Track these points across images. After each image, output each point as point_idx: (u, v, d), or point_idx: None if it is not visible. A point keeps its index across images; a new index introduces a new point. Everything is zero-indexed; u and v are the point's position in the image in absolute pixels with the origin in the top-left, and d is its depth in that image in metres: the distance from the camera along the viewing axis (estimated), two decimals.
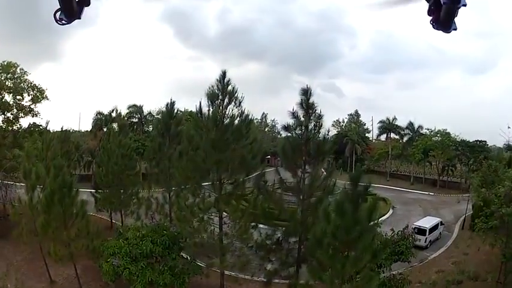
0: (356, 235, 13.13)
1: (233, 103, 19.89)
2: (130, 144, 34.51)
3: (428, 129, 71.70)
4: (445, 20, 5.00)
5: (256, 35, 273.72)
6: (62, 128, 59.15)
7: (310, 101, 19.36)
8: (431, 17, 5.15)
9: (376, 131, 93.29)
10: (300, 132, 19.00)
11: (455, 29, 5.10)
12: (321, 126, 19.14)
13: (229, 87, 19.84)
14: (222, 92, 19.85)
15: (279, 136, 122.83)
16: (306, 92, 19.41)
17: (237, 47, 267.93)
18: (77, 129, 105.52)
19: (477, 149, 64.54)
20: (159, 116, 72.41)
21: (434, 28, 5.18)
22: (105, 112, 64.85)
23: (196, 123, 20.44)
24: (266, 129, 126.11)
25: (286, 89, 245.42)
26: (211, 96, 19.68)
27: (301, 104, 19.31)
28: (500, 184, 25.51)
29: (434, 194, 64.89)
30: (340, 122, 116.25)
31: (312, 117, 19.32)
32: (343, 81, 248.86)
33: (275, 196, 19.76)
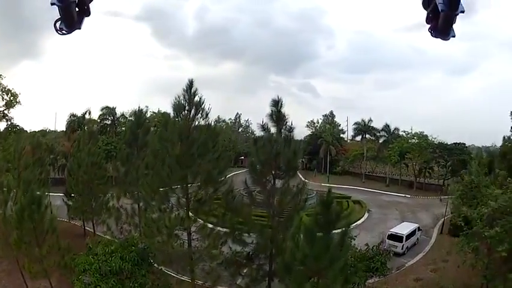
0: (327, 263, 12.26)
1: (200, 114, 18.83)
2: (100, 152, 33.25)
3: (405, 132, 71.77)
4: (443, 28, 5.06)
5: (234, 34, 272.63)
6: (34, 134, 58.74)
7: (282, 111, 18.61)
8: (429, 25, 5.17)
9: (351, 132, 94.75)
10: (269, 145, 18.04)
11: (454, 36, 5.17)
12: (292, 139, 18.27)
13: (196, 98, 18.77)
14: (189, 102, 18.78)
15: (252, 136, 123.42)
16: (277, 103, 18.54)
17: (214, 46, 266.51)
18: (53, 129, 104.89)
19: (455, 152, 64.86)
20: (132, 118, 71.23)
21: (432, 36, 5.23)
22: (79, 114, 64.25)
23: (162, 137, 19.29)
24: (240, 129, 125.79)
25: (262, 89, 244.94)
26: (177, 108, 18.62)
27: (271, 115, 18.44)
28: (483, 202, 24.53)
29: (411, 196, 64.87)
30: (314, 123, 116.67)
31: (282, 129, 18.43)
32: (319, 81, 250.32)
33: (244, 210, 18.77)
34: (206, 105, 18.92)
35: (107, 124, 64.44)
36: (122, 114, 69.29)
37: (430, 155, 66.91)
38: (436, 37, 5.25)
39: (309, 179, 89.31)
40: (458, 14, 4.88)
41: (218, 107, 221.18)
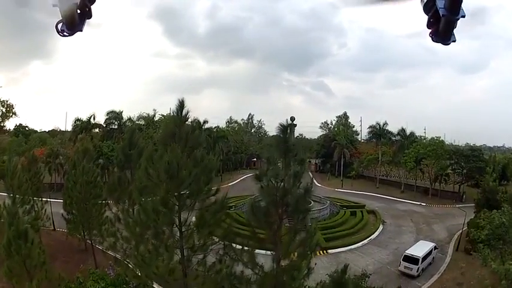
0: None
1: (191, 142, 16.70)
2: (95, 170, 31.44)
3: (421, 137, 69.24)
4: (444, 32, 5.17)
5: (246, 32, 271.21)
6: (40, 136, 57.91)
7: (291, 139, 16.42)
8: (430, 30, 5.26)
9: (365, 131, 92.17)
10: (276, 182, 16.00)
11: (454, 41, 5.29)
12: (303, 173, 16.21)
13: (187, 126, 16.62)
14: (179, 130, 16.68)
15: (265, 137, 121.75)
16: (285, 130, 16.20)
17: (226, 44, 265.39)
18: (64, 129, 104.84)
19: (472, 158, 62.23)
20: (140, 122, 70.11)
21: (433, 40, 5.34)
22: (85, 117, 63.50)
23: (148, 173, 17.03)
24: (253, 130, 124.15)
25: (274, 87, 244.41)
26: (164, 139, 16.59)
27: (277, 145, 16.19)
28: None
29: (426, 205, 62.57)
30: (328, 124, 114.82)
31: (291, 163, 16.33)
32: (332, 79, 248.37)
33: (246, 257, 16.68)
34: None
35: (113, 129, 63.11)
36: (129, 118, 68.76)
37: (446, 162, 64.46)
38: (436, 42, 5.33)
39: (323, 182, 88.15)
40: (459, 19, 4.96)
41: (231, 106, 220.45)
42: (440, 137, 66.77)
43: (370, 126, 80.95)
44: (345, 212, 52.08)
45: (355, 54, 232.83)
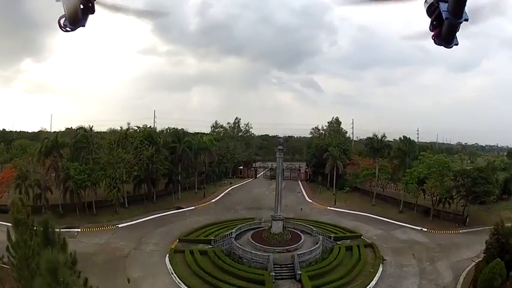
0: None
1: None
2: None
3: (424, 155, 62.63)
4: (447, 35, 5.38)
5: (237, 30, 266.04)
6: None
7: None
8: (432, 33, 5.49)
9: (356, 132, 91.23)
10: None
11: (457, 44, 5.57)
12: None
13: None
14: None
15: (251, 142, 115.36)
16: None
17: (216, 42, 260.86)
18: (49, 130, 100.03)
19: (479, 181, 56.09)
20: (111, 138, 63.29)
21: (436, 43, 5.59)
22: (54, 134, 60.19)
23: None
24: (240, 134, 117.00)
25: (264, 84, 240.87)
26: None
27: None
28: None
29: (428, 230, 56.66)
30: (319, 129, 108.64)
31: None
32: (322, 76, 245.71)
33: None
34: None
35: (83, 147, 56.44)
36: (98, 133, 62.96)
37: (451, 183, 58.27)
38: (439, 44, 5.59)
39: (314, 196, 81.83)
40: (462, 22, 5.09)
41: (220, 103, 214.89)
42: (444, 154, 60.54)
43: (369, 138, 74.51)
44: (340, 248, 45.84)
45: (346, 52, 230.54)
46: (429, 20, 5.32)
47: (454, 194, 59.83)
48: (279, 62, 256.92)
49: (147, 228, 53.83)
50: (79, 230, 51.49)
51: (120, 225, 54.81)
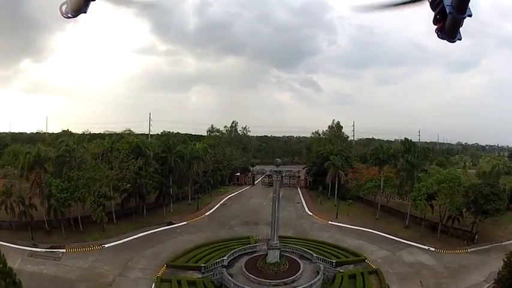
0: None
1: None
2: None
3: (434, 168, 58.62)
4: (450, 30, 5.25)
5: (236, 29, 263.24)
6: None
7: None
8: (436, 26, 5.34)
9: (356, 131, 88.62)
10: None
11: (460, 39, 5.47)
12: None
13: None
14: None
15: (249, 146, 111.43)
16: None
17: (215, 41, 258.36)
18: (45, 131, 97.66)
19: (491, 198, 52.22)
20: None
21: (439, 37, 5.48)
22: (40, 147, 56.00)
23: None
24: (237, 138, 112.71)
25: (263, 83, 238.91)
26: None
27: None
28: None
29: (436, 250, 52.82)
30: (319, 134, 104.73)
31: None
32: (321, 76, 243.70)
33: None
34: None
35: (66, 161, 52.41)
36: (82, 145, 59.21)
37: (461, 200, 54.25)
38: (442, 38, 5.43)
39: (314, 208, 77.46)
40: (465, 18, 4.97)
41: (219, 103, 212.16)
42: (458, 168, 56.56)
43: (374, 148, 70.27)
44: (342, 277, 41.89)
45: (345, 51, 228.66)
46: (433, 14, 5.11)
47: (464, 211, 55.85)
48: (278, 61, 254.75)
49: (135, 249, 49.91)
50: (64, 250, 48.26)
51: (106, 245, 51.03)
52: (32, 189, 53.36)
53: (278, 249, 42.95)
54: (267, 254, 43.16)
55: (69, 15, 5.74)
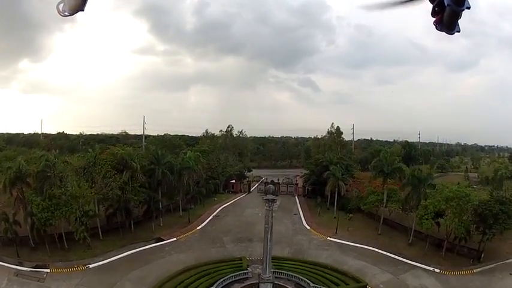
0: None
1: None
2: None
3: (443, 186, 55.19)
4: (448, 22, 5.10)
5: (234, 29, 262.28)
6: None
7: None
8: (434, 19, 5.17)
9: (356, 136, 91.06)
10: None
11: (459, 31, 5.28)
12: None
13: None
14: None
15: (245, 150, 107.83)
16: None
17: (214, 41, 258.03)
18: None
19: (501, 216, 49.01)
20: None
21: (437, 29, 5.28)
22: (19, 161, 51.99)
23: None
24: (232, 143, 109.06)
25: (262, 83, 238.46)
26: None
27: None
28: None
29: (441, 272, 49.74)
30: (318, 139, 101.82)
31: None
32: (320, 76, 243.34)
33: None
34: None
35: (46, 176, 49.10)
36: (65, 161, 56.02)
37: (470, 218, 50.92)
38: (440, 30, 5.26)
39: (313, 221, 73.75)
40: (464, 10, 4.86)
41: (217, 105, 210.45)
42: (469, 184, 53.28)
43: (377, 160, 66.57)
44: None
45: (344, 50, 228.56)
46: (431, 6, 5.01)
47: (472, 230, 52.46)
48: (277, 61, 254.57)
49: (120, 271, 46.59)
50: (48, 270, 45.87)
51: (91, 265, 48.05)
52: (15, 205, 50.58)
53: (271, 283, 39.19)
54: (259, 286, 39.52)
55: (66, 13, 5.61)
